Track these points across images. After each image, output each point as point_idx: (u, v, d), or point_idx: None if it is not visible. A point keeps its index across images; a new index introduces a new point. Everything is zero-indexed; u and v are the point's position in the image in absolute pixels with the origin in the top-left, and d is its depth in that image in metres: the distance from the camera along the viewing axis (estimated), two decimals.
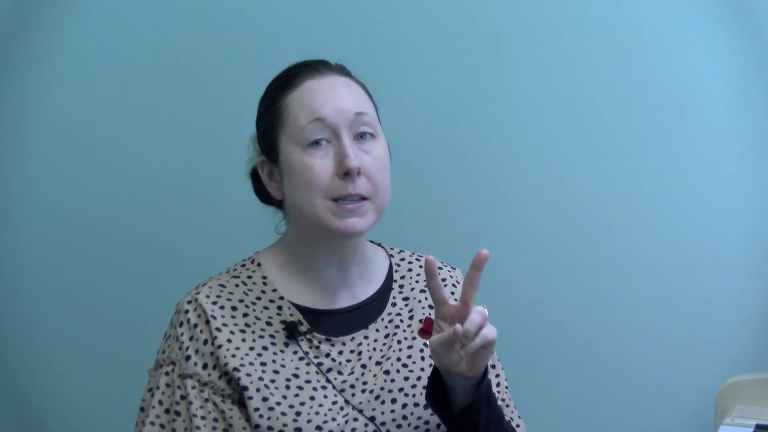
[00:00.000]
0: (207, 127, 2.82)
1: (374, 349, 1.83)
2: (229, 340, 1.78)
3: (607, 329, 2.74)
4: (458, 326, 1.63)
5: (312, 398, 1.77)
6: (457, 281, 1.95)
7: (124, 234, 2.85)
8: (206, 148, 2.82)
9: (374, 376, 1.82)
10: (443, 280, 1.90)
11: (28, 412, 2.90)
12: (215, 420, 1.75)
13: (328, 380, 1.79)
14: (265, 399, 1.75)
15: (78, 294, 2.86)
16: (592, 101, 2.71)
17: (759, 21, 2.63)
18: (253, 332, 1.80)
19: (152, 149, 2.84)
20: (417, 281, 1.92)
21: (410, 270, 1.93)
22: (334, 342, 1.81)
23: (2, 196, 2.86)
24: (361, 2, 2.77)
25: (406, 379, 1.82)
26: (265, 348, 1.79)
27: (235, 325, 1.79)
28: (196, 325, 1.79)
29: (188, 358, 1.77)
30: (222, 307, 1.80)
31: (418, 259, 1.95)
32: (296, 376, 1.78)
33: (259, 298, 1.83)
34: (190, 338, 1.78)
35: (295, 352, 1.79)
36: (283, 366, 1.78)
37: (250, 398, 1.75)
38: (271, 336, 1.80)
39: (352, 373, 1.81)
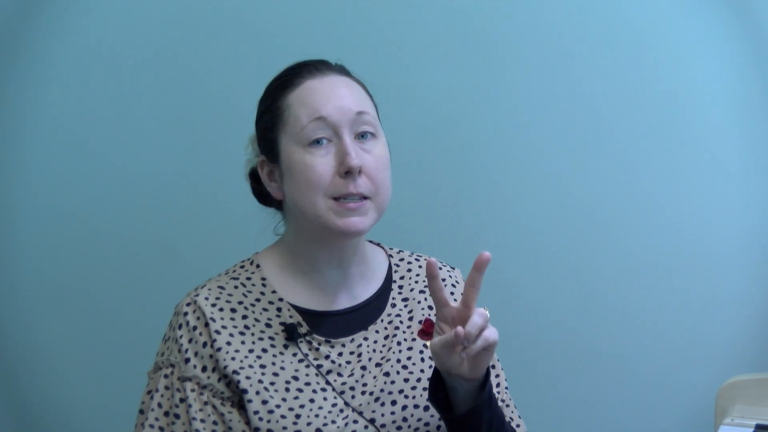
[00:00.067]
0: (207, 127, 2.82)
1: (374, 350, 1.83)
2: (228, 343, 1.77)
3: (607, 329, 2.73)
4: (459, 329, 1.63)
5: (312, 400, 1.76)
6: (457, 281, 1.95)
7: (124, 234, 2.85)
8: (206, 148, 2.82)
9: (374, 377, 1.81)
10: (443, 280, 1.90)
11: (28, 412, 2.90)
12: (215, 423, 1.75)
13: (327, 382, 1.79)
14: (264, 402, 1.75)
15: (78, 294, 2.86)
16: (592, 101, 2.71)
17: (759, 21, 2.63)
18: (253, 334, 1.79)
19: (152, 149, 2.84)
20: (416, 282, 1.92)
21: (409, 270, 1.93)
22: (333, 344, 1.81)
23: (2, 196, 2.86)
24: (361, 2, 2.77)
25: (406, 380, 1.82)
26: (264, 350, 1.79)
27: (235, 327, 1.79)
28: (195, 328, 1.78)
29: (187, 360, 1.77)
30: (221, 310, 1.80)
31: (417, 259, 1.95)
32: (296, 378, 1.77)
33: (258, 300, 1.83)
34: (190, 341, 1.78)
35: (294, 354, 1.79)
36: (282, 368, 1.78)
37: (250, 401, 1.75)
38: (271, 338, 1.80)
39: (351, 374, 1.80)
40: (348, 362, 1.81)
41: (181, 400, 1.76)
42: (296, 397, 1.76)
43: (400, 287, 1.90)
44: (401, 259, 1.94)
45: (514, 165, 2.75)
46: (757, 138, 2.65)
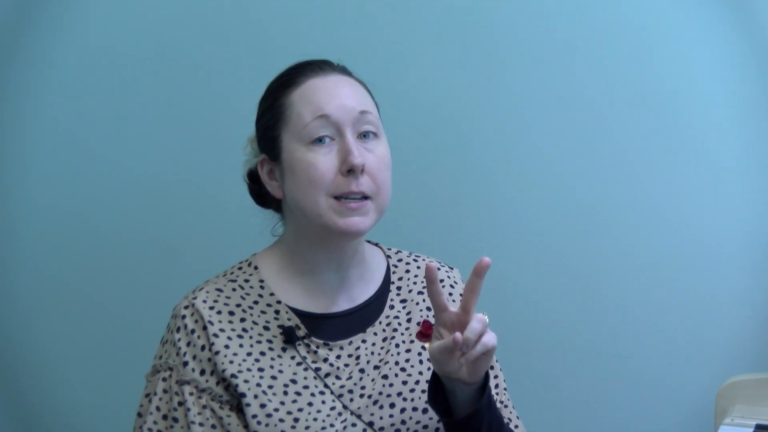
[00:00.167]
0: (207, 127, 2.82)
1: (372, 353, 1.83)
2: (226, 346, 1.77)
3: (607, 329, 2.73)
4: (458, 335, 1.63)
5: (310, 404, 1.76)
6: (456, 281, 1.94)
7: (124, 234, 2.85)
8: (206, 148, 2.82)
9: (372, 380, 1.81)
10: (441, 281, 1.90)
11: (28, 412, 2.90)
12: (213, 426, 1.75)
13: (326, 385, 1.78)
14: (263, 405, 1.75)
15: (78, 294, 2.86)
16: (592, 101, 2.71)
17: (759, 21, 2.63)
18: (251, 337, 1.79)
19: (152, 149, 2.84)
20: (415, 283, 1.91)
21: (408, 271, 1.93)
22: (332, 346, 1.81)
23: (2, 195, 2.86)
24: (361, 3, 2.77)
25: (405, 383, 1.82)
26: (262, 353, 1.78)
27: (233, 330, 1.79)
28: (193, 331, 1.78)
29: (186, 364, 1.77)
30: (219, 312, 1.80)
31: (416, 260, 1.95)
32: (294, 381, 1.77)
33: (256, 303, 1.82)
34: (188, 344, 1.78)
35: (292, 357, 1.79)
36: (280, 371, 1.77)
37: (248, 405, 1.74)
38: (269, 341, 1.80)
39: (350, 377, 1.80)
40: (346, 365, 1.81)
41: (180, 404, 1.76)
42: (294, 401, 1.76)
43: (399, 288, 1.90)
44: (399, 260, 1.93)
45: (514, 165, 2.75)
46: (756, 138, 2.65)
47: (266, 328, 1.80)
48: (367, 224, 1.79)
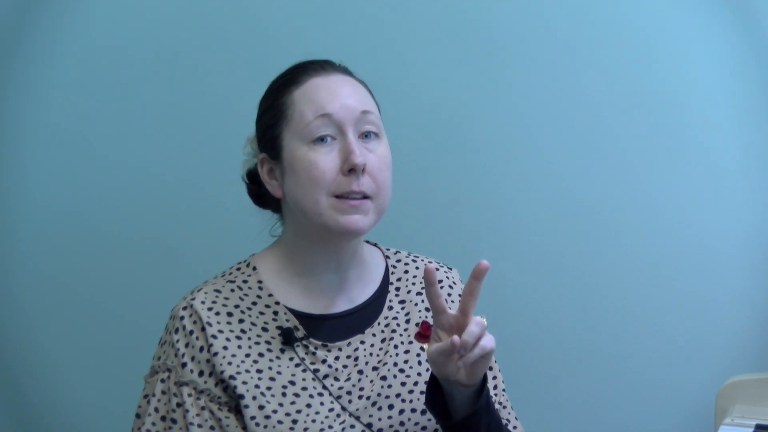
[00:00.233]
0: (207, 127, 2.82)
1: (371, 354, 1.83)
2: (225, 347, 1.77)
3: (607, 329, 2.73)
4: (456, 338, 1.62)
5: (308, 405, 1.76)
6: (454, 282, 1.94)
7: (124, 234, 2.85)
8: (206, 148, 2.81)
9: (371, 381, 1.81)
10: (439, 281, 1.89)
11: (28, 412, 2.90)
12: (212, 428, 1.75)
13: (324, 387, 1.78)
14: (261, 407, 1.74)
15: (78, 294, 2.86)
16: (592, 101, 2.71)
17: (759, 21, 2.63)
18: (249, 339, 1.79)
19: (152, 149, 2.84)
20: (413, 283, 1.91)
21: (406, 272, 1.92)
22: (330, 348, 1.81)
23: (2, 195, 2.86)
24: (361, 3, 2.77)
25: (403, 384, 1.82)
26: (261, 355, 1.78)
27: (231, 331, 1.79)
28: (191, 332, 1.78)
29: (184, 365, 1.77)
30: (218, 314, 1.79)
31: (414, 260, 1.94)
32: (292, 383, 1.77)
33: (254, 304, 1.82)
34: (186, 345, 1.78)
35: (291, 359, 1.79)
36: (279, 373, 1.77)
37: (247, 406, 1.74)
38: (267, 342, 1.79)
39: (348, 379, 1.80)
40: (345, 366, 1.81)
41: (178, 405, 1.76)
42: (293, 402, 1.76)
43: (397, 289, 1.90)
44: (398, 260, 1.93)
45: (514, 165, 2.75)
46: (756, 138, 2.65)
47: (265, 329, 1.80)
48: (367, 224, 1.79)
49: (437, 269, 1.93)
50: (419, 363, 1.84)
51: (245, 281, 1.84)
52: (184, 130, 2.83)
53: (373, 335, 1.84)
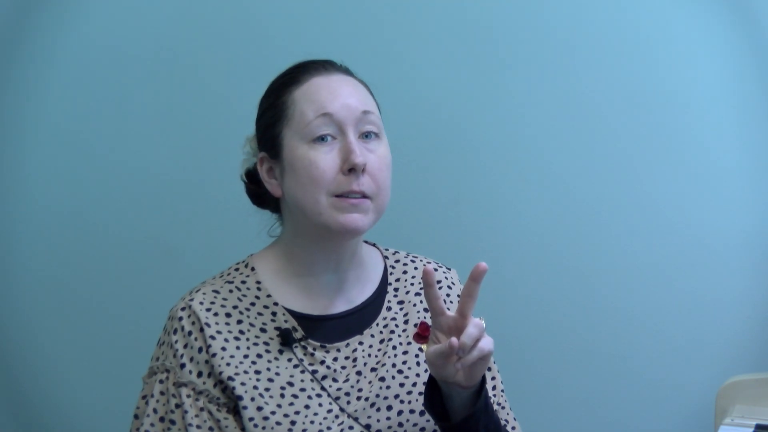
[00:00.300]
0: (207, 127, 2.82)
1: (369, 355, 1.83)
2: (223, 348, 1.77)
3: (607, 329, 2.73)
4: (454, 340, 1.62)
5: (307, 407, 1.76)
6: (453, 282, 1.94)
7: (124, 234, 2.85)
8: (206, 148, 2.81)
9: (369, 383, 1.81)
10: (438, 282, 1.89)
11: (28, 412, 2.90)
12: (211, 429, 1.75)
13: (323, 388, 1.78)
14: (259, 408, 1.74)
15: (78, 294, 2.86)
16: (592, 101, 2.71)
17: (759, 21, 2.63)
18: (248, 339, 1.79)
19: (152, 149, 2.84)
20: (412, 284, 1.91)
21: (405, 272, 1.92)
22: (328, 348, 1.81)
23: (2, 195, 2.86)
24: (361, 3, 2.77)
25: (402, 385, 1.82)
26: (259, 356, 1.78)
27: (230, 332, 1.78)
28: (190, 333, 1.78)
29: (183, 366, 1.76)
30: (216, 314, 1.79)
31: (413, 261, 1.94)
32: (291, 384, 1.77)
33: (253, 304, 1.82)
34: (185, 346, 1.77)
35: (289, 360, 1.79)
36: (277, 374, 1.77)
37: (245, 408, 1.74)
38: (266, 343, 1.79)
39: (347, 380, 1.80)
40: (343, 367, 1.80)
41: (177, 406, 1.76)
42: (291, 404, 1.75)
43: (396, 290, 1.90)
44: (397, 261, 1.93)
45: (514, 165, 2.75)
46: (757, 138, 2.65)
47: (263, 330, 1.80)
48: (366, 223, 1.78)
49: (436, 270, 1.93)
50: (418, 364, 1.84)
51: (243, 282, 1.84)
52: (184, 130, 2.83)
53: (372, 336, 1.84)
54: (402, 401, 1.81)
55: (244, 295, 1.82)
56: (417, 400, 1.81)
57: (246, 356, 1.77)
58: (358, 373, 1.81)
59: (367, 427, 1.78)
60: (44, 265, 2.86)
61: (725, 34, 2.64)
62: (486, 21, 2.73)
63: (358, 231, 1.78)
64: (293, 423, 1.74)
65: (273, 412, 1.74)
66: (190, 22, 2.81)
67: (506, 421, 1.90)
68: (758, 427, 2.09)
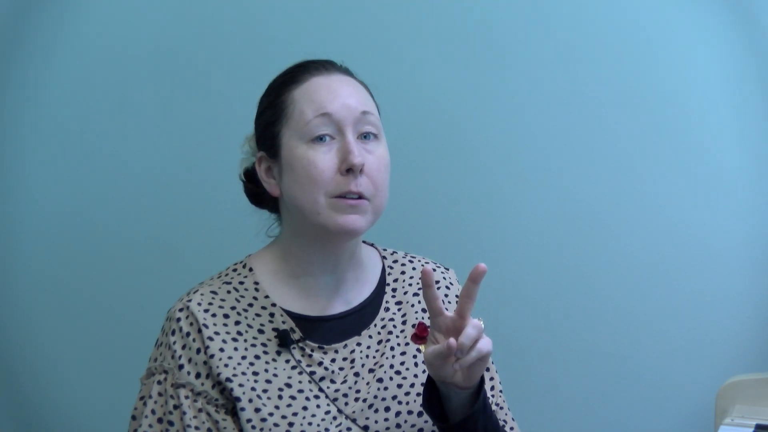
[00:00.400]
0: (207, 127, 2.82)
1: (367, 356, 1.82)
2: (221, 349, 1.77)
3: (607, 329, 2.73)
4: (452, 341, 1.62)
5: (305, 408, 1.75)
6: (451, 282, 1.94)
7: (124, 234, 2.85)
8: (206, 147, 2.82)
9: (367, 384, 1.81)
10: (436, 282, 1.89)
11: (28, 412, 2.90)
12: (209, 430, 1.74)
13: (320, 389, 1.78)
14: (257, 410, 1.74)
15: (78, 294, 2.86)
16: (592, 101, 2.71)
17: (759, 21, 2.63)
18: (245, 340, 1.78)
19: (152, 149, 2.84)
20: (410, 284, 1.91)
21: (403, 273, 1.92)
22: (326, 350, 1.80)
23: (2, 195, 2.86)
24: (361, 3, 2.77)
25: (400, 386, 1.82)
26: (257, 357, 1.78)
27: (227, 333, 1.78)
28: (188, 334, 1.78)
29: (181, 367, 1.76)
30: (214, 315, 1.79)
31: (411, 261, 1.94)
32: (288, 385, 1.77)
33: (251, 305, 1.82)
34: (183, 347, 1.77)
35: (287, 361, 1.78)
36: (275, 375, 1.77)
37: (243, 409, 1.74)
38: (263, 344, 1.79)
39: (345, 381, 1.80)
40: (341, 368, 1.80)
41: (175, 407, 1.75)
42: (289, 405, 1.75)
43: (394, 290, 1.89)
44: (395, 261, 1.93)
45: (514, 165, 2.75)
46: (757, 138, 2.65)
47: (261, 332, 1.80)
48: (364, 224, 1.78)
49: (434, 270, 1.92)
50: (416, 365, 1.84)
51: (241, 282, 1.84)
52: (184, 130, 2.83)
53: (370, 337, 1.84)
54: (400, 402, 1.80)
55: (242, 296, 1.82)
56: (415, 401, 1.81)
57: (244, 357, 1.77)
58: (356, 374, 1.80)
59: (365, 428, 1.78)
60: (44, 265, 2.87)
61: (725, 34, 2.64)
62: (486, 21, 2.73)
63: (356, 232, 1.78)
64: (291, 424, 1.74)
65: (271, 414, 1.74)
66: (189, 22, 2.81)
67: (504, 421, 1.90)
68: (758, 427, 2.09)
